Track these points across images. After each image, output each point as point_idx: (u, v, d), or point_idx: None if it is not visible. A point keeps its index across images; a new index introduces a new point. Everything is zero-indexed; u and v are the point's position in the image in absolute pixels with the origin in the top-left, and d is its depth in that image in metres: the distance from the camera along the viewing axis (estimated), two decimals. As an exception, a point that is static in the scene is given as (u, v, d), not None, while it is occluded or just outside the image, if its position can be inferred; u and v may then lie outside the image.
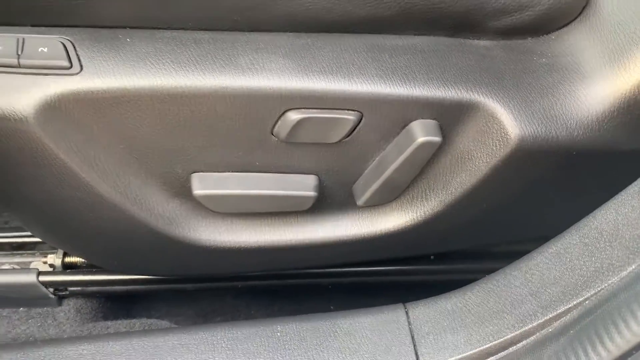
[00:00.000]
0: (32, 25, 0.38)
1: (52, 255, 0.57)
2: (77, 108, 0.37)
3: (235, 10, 0.38)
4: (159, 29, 0.39)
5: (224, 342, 0.39)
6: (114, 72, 0.37)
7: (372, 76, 0.39)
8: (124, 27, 0.38)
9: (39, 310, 0.55)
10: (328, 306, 0.69)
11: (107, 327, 0.55)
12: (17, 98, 0.36)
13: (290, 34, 0.40)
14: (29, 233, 0.58)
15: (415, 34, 0.42)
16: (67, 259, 0.56)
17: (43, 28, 0.38)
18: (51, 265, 0.56)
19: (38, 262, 0.58)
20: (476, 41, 0.43)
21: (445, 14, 0.40)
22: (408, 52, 0.41)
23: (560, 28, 0.43)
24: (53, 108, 0.37)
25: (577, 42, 0.43)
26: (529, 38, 0.44)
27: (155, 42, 0.38)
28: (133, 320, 0.57)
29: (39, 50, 0.37)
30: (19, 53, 0.36)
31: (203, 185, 0.42)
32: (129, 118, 0.38)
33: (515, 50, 0.43)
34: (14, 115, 0.37)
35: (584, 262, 0.33)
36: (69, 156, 0.39)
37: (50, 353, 0.39)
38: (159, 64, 0.38)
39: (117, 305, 0.58)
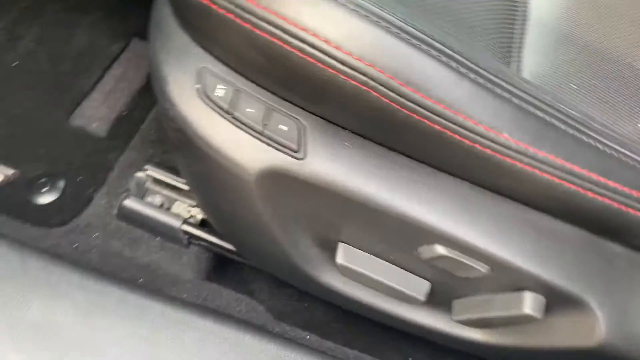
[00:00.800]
0: (277, 95, 0.47)
1: (195, 209, 0.69)
2: (287, 183, 0.46)
3: (436, 158, 0.46)
4: (370, 140, 0.47)
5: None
6: (327, 168, 0.46)
7: (514, 246, 0.47)
8: (345, 129, 0.47)
9: (170, 245, 0.68)
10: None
11: (220, 276, 0.67)
12: (251, 156, 0.46)
13: (465, 183, 0.48)
14: (181, 179, 0.70)
15: (562, 220, 0.49)
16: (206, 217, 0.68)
17: (286, 103, 0.46)
18: (191, 216, 0.69)
19: (180, 206, 0.70)
20: (609, 244, 0.50)
21: (601, 220, 0.47)
22: (550, 234, 0.48)
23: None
24: (271, 176, 0.46)
25: None
26: (652, 257, 0.51)
27: (363, 153, 0.46)
28: (229, 273, 0.69)
29: (280, 127, 0.46)
30: (266, 123, 0.45)
31: (344, 256, 0.52)
32: (319, 201, 0.48)
33: (636, 264, 0.50)
34: (243, 167, 0.46)
35: None
36: (265, 209, 0.49)
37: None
38: (360, 172, 0.46)
39: (222, 261, 0.71)
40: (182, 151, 0.52)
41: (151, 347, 0.53)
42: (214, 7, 0.42)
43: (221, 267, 0.69)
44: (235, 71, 0.47)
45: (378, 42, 0.39)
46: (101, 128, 0.85)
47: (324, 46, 0.39)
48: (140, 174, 0.71)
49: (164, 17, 0.50)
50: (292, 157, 0.46)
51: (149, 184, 0.71)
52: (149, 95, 0.89)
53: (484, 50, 0.50)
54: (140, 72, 0.92)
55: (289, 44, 0.40)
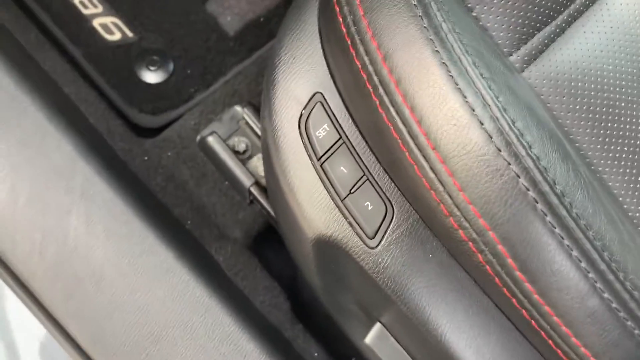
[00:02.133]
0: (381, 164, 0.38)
1: (272, 174, 0.64)
2: (346, 259, 0.40)
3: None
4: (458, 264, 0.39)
5: None
6: (395, 272, 0.38)
7: None
8: (437, 237, 0.39)
9: (234, 194, 0.64)
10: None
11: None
12: (319, 217, 0.39)
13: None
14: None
15: None
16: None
17: (386, 176, 0.38)
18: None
19: (261, 159, 0.65)
20: None
21: None
22: None
23: None
24: (331, 245, 0.40)
25: None
26: None
27: (445, 276, 0.38)
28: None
29: (365, 203, 0.38)
30: (352, 191, 0.38)
31: (375, 340, 0.46)
32: (373, 290, 0.41)
33: None
34: (306, 220, 0.40)
35: None
36: (314, 259, 0.43)
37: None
38: (431, 296, 0.38)
39: (274, 234, 0.67)
40: (263, 152, 0.46)
41: (159, 307, 0.52)
42: (355, 59, 0.33)
43: (269, 240, 0.65)
44: (349, 111, 0.39)
45: (512, 214, 0.30)
46: (232, 25, 0.79)
47: (448, 181, 0.30)
48: (238, 109, 0.66)
49: (309, 3, 0.42)
50: (363, 241, 0.39)
51: (242, 123, 0.66)
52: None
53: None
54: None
55: (410, 151, 0.32)
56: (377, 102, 0.32)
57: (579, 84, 0.39)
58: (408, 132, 0.31)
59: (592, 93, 0.39)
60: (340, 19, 0.35)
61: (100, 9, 0.75)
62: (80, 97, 0.61)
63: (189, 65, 0.75)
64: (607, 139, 0.39)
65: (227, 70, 0.76)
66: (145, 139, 0.64)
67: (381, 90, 0.32)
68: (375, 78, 0.32)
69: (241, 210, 0.64)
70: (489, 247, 0.31)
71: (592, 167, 0.39)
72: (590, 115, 0.39)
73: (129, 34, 0.75)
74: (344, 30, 0.34)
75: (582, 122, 0.39)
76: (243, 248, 0.62)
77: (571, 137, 0.39)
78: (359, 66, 0.33)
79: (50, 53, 0.63)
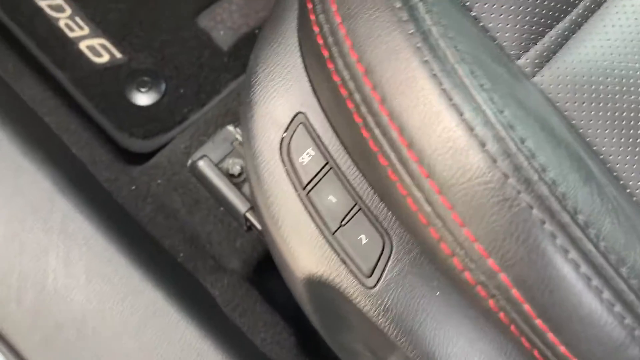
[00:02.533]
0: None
1: (269, 198, 0.60)
2: (340, 299, 0.35)
3: None
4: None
5: None
6: (398, 314, 0.33)
7: None
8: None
9: (230, 220, 0.60)
10: None
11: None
12: (307, 254, 0.35)
13: None
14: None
15: None
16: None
17: (381, 204, 0.33)
18: (263, 203, 0.60)
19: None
20: None
21: None
22: None
23: None
24: (323, 285, 0.35)
25: None
26: None
27: (455, 313, 0.33)
28: None
29: (359, 237, 0.33)
30: (344, 223, 0.33)
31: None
32: (373, 332, 0.36)
33: None
34: (293, 258, 0.35)
35: None
36: (307, 298, 0.38)
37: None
38: (440, 338, 0.34)
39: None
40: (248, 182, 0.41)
41: (147, 353, 0.48)
42: (334, 75, 0.29)
43: (270, 269, 0.61)
44: (336, 132, 0.34)
45: (526, 252, 0.25)
46: (225, 39, 0.75)
47: (447, 215, 0.26)
48: (230, 129, 0.61)
49: (288, 14, 0.37)
50: (359, 280, 0.34)
51: (236, 144, 0.61)
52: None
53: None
54: (292, -14, 0.79)
55: (401, 179, 0.27)
56: (361, 124, 0.27)
57: (601, 87, 0.34)
58: (397, 158, 0.26)
59: (617, 96, 0.34)
60: (317, 30, 0.30)
61: (86, 30, 0.72)
62: (61, 126, 0.58)
63: (182, 85, 0.71)
64: (637, 149, 0.34)
65: (222, 88, 0.71)
66: (133, 166, 0.60)
67: (364, 110, 0.27)
68: (357, 96, 0.27)
69: (239, 237, 0.60)
70: (501, 292, 0.26)
71: (622, 182, 0.33)
72: (615, 122, 0.34)
73: (118, 55, 0.72)
74: (321, 42, 0.30)
75: (606, 131, 0.33)
76: (241, 280, 0.57)
77: (594, 148, 0.33)
78: (339, 83, 0.28)
79: (30, 81, 0.60)
